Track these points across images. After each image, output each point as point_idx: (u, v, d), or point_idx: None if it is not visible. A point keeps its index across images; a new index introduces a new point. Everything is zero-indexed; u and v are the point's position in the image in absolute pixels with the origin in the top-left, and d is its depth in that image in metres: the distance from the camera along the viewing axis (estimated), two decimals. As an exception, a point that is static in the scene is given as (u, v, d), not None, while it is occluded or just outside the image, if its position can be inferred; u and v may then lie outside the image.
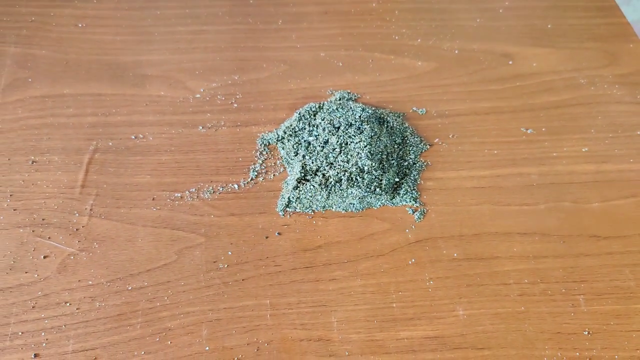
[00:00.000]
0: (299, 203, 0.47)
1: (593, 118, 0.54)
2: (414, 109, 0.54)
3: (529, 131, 0.53)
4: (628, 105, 0.56)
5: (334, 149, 0.48)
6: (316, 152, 0.48)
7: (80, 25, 0.61)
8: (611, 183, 0.49)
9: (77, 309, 0.41)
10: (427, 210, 0.47)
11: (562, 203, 0.48)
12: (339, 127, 0.49)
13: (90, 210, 0.46)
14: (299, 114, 0.52)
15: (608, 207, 0.48)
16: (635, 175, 0.50)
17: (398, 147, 0.50)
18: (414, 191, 0.48)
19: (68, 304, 0.41)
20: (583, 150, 0.52)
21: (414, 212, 0.47)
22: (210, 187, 0.48)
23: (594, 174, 0.50)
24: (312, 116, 0.51)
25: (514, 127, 0.53)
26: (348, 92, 0.55)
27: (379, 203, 0.47)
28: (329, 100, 0.54)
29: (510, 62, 0.59)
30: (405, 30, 0.63)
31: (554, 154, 0.51)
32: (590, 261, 0.45)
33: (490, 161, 0.51)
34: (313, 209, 0.47)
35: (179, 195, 0.47)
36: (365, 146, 0.48)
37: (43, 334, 0.39)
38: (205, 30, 0.61)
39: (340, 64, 0.59)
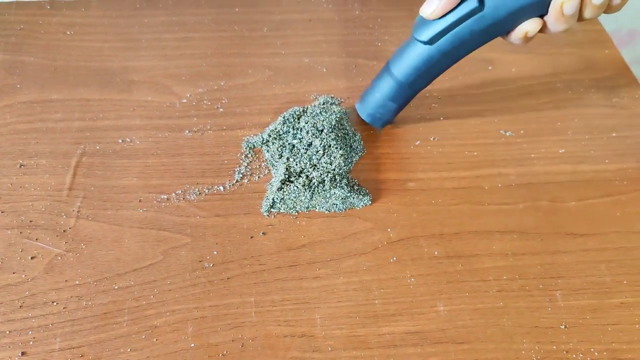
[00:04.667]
0: (283, 204, 0.47)
1: (570, 120, 0.56)
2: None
3: (507, 134, 0.54)
4: (603, 108, 0.57)
5: (317, 152, 0.49)
6: (300, 154, 0.49)
7: (68, 32, 0.62)
8: (587, 183, 0.51)
9: (64, 308, 0.41)
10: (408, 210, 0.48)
11: (539, 202, 0.49)
12: (322, 130, 0.50)
13: (78, 212, 0.47)
14: (284, 117, 0.53)
15: (584, 206, 0.49)
16: (610, 175, 0.52)
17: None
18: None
19: (55, 303, 0.41)
20: (560, 151, 0.53)
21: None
22: (196, 189, 0.49)
23: (571, 174, 0.51)
24: (296, 120, 0.52)
25: (493, 129, 0.55)
26: (331, 97, 0.57)
27: (362, 203, 0.48)
28: (312, 104, 0.55)
29: (490, 68, 0.61)
30: (387, 37, 0.64)
31: (532, 155, 0.53)
32: (567, 258, 0.46)
33: (470, 162, 0.52)
34: (297, 209, 0.48)
35: (165, 197, 0.48)
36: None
37: (30, 332, 0.40)
38: (191, 37, 0.62)
39: (324, 70, 0.60)
